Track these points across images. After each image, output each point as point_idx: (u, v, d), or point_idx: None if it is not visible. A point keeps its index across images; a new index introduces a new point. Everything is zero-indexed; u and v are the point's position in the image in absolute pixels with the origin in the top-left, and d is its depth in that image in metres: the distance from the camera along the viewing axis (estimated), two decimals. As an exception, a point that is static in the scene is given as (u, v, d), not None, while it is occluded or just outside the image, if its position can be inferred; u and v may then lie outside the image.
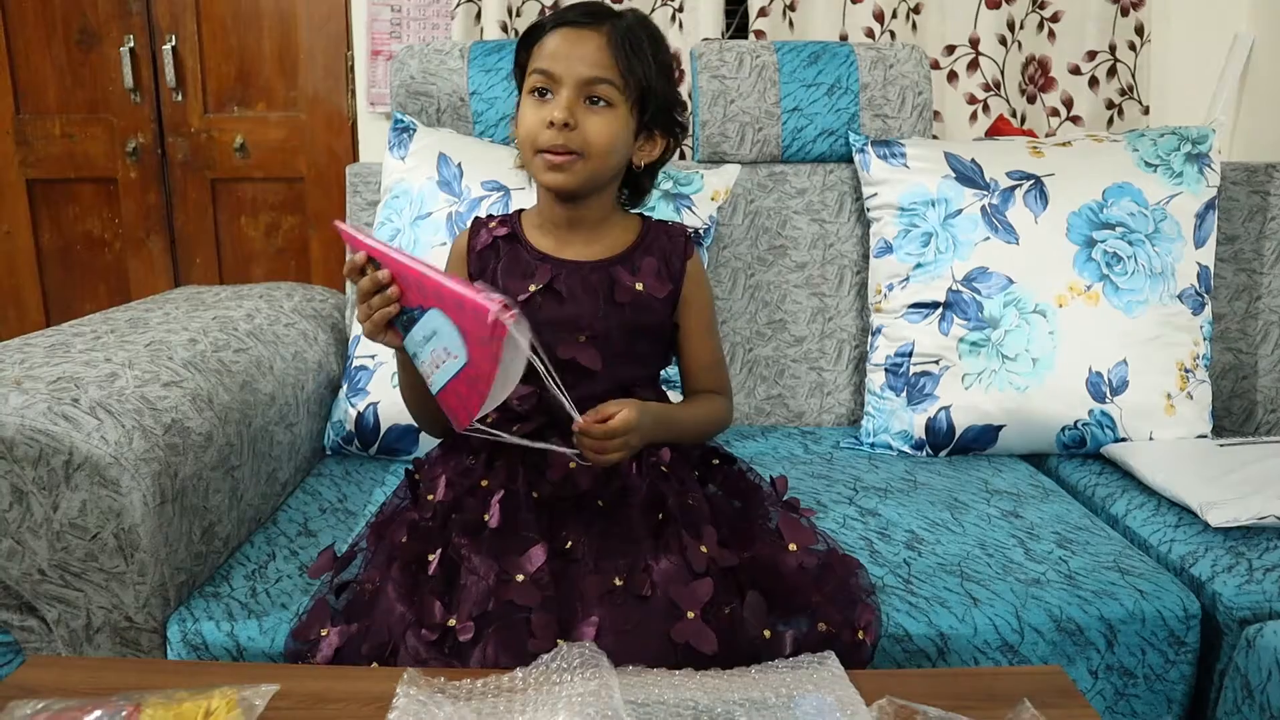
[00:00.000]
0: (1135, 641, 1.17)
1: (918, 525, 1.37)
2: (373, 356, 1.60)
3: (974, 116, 2.22)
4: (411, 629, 1.01)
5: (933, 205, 1.69)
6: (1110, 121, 2.21)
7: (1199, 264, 1.69)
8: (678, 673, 0.90)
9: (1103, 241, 1.65)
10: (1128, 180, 1.69)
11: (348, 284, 1.82)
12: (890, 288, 1.71)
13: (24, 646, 1.17)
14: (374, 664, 1.01)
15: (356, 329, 1.65)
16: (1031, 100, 2.23)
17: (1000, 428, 1.63)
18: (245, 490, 1.32)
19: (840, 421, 1.83)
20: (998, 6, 2.17)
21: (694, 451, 1.25)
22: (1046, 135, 2.20)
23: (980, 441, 1.65)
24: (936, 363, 1.65)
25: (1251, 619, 1.17)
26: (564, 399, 1.01)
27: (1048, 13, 2.19)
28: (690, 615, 1.01)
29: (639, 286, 1.18)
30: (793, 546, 1.14)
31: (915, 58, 1.87)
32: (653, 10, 2.16)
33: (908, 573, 1.24)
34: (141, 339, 1.35)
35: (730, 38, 2.26)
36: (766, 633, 1.05)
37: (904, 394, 1.67)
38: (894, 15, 2.17)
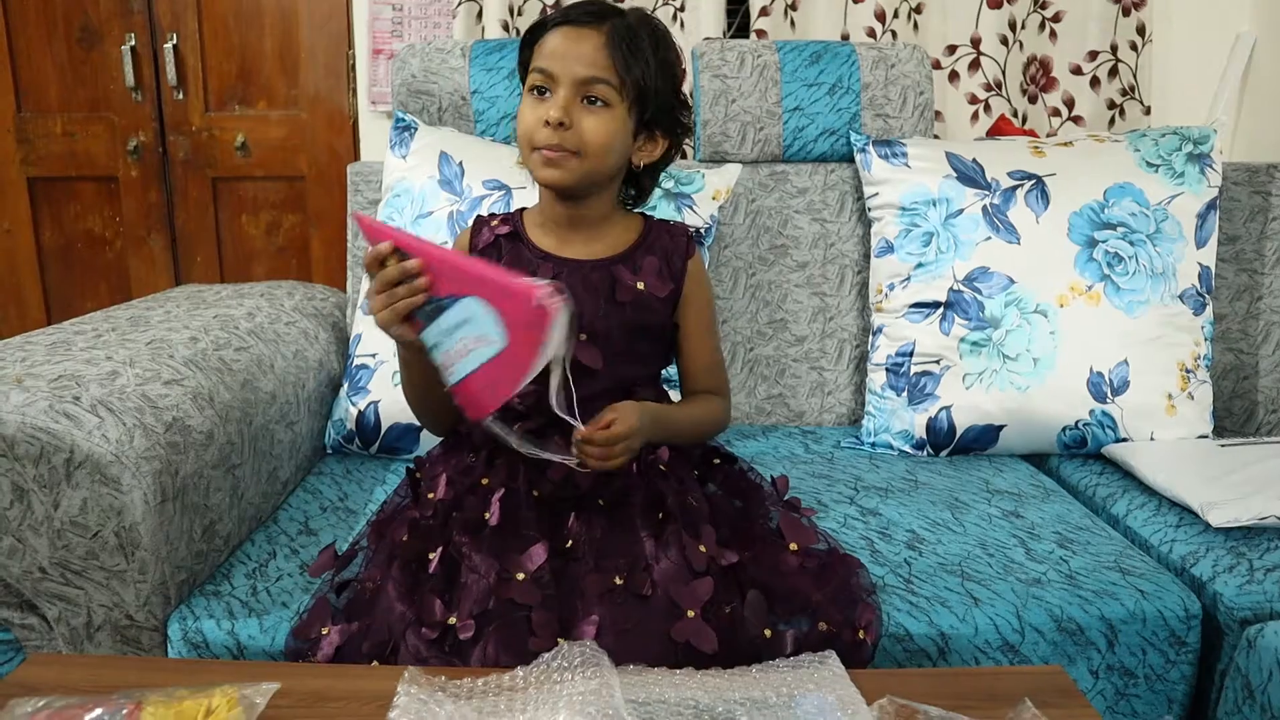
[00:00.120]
0: (1136, 641, 1.17)
1: (918, 525, 1.37)
2: (373, 355, 1.60)
3: (975, 116, 2.22)
4: (412, 628, 1.01)
5: (934, 205, 1.69)
6: (1112, 122, 2.21)
7: (1200, 264, 1.69)
8: (678, 672, 0.90)
9: (1104, 241, 1.65)
10: (1129, 180, 1.69)
11: (348, 282, 1.82)
12: (891, 287, 1.71)
13: (25, 644, 1.17)
14: (374, 662, 1.01)
15: (358, 328, 1.65)
16: (1033, 100, 2.23)
17: (1001, 428, 1.63)
18: (246, 489, 1.32)
19: (841, 421, 1.83)
20: (999, 6, 2.17)
21: (694, 451, 1.25)
22: (1048, 135, 2.20)
23: (981, 441, 1.65)
24: (937, 362, 1.65)
25: (1252, 619, 1.17)
26: (571, 402, 1.01)
27: (1049, 12, 2.19)
28: (690, 614, 1.01)
29: (640, 286, 1.17)
30: (793, 546, 1.14)
31: (917, 57, 1.87)
32: (654, 10, 2.16)
33: (908, 572, 1.24)
34: (142, 337, 1.35)
35: (731, 37, 2.26)
36: (767, 632, 1.05)
37: (905, 394, 1.67)
38: (895, 15, 2.17)
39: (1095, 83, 2.19)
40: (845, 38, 2.17)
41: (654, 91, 1.13)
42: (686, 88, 2.03)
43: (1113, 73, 2.19)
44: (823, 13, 2.17)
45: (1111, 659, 1.17)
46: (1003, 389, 1.62)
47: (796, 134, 1.84)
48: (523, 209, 1.25)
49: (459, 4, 2.15)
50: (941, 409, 1.64)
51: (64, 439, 1.06)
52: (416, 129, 1.72)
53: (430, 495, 1.13)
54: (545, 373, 0.98)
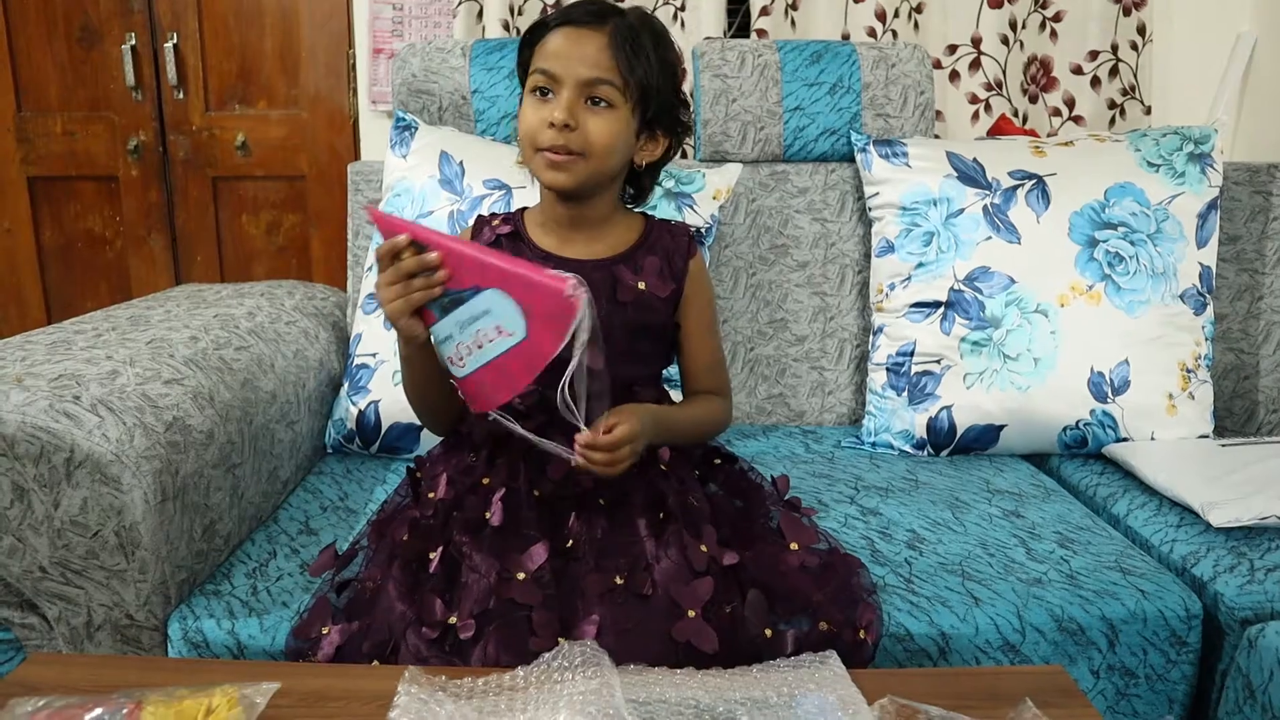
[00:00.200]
0: (1137, 641, 1.17)
1: (919, 525, 1.37)
2: (374, 355, 1.60)
3: (976, 116, 2.22)
4: (412, 627, 1.01)
5: (934, 205, 1.69)
6: (1112, 121, 2.21)
7: (1201, 264, 1.69)
8: (679, 671, 0.90)
9: (1105, 241, 1.65)
10: (1130, 180, 1.68)
11: (349, 282, 1.82)
12: (892, 287, 1.71)
13: (25, 644, 1.17)
14: (375, 662, 1.01)
15: (359, 327, 1.65)
16: (1033, 100, 2.23)
17: (1002, 427, 1.63)
18: (246, 488, 1.32)
19: (841, 421, 1.83)
20: (1000, 6, 2.17)
21: (695, 451, 1.25)
22: (1048, 135, 2.20)
23: (981, 441, 1.65)
24: (938, 362, 1.65)
25: (1253, 619, 1.17)
26: (579, 403, 1.01)
27: (1050, 12, 2.19)
28: (691, 614, 1.01)
29: (641, 286, 1.17)
30: (794, 546, 1.14)
31: (917, 57, 1.87)
32: (655, 10, 2.16)
33: (909, 572, 1.24)
34: (143, 336, 1.35)
35: (732, 37, 2.26)
36: (768, 632, 1.05)
37: (905, 393, 1.67)
38: (896, 14, 2.17)
39: (1096, 82, 2.19)
40: (846, 37, 2.17)
41: (656, 91, 1.12)
42: (687, 87, 2.03)
43: (1113, 72, 2.19)
44: (823, 12, 2.17)
45: (1112, 659, 1.17)
46: (1003, 389, 1.62)
47: (797, 133, 1.84)
48: (523, 208, 1.25)
49: (459, 3, 2.15)
50: (942, 409, 1.64)
51: (64, 438, 1.06)
52: (417, 128, 1.72)
53: (431, 495, 1.13)
54: (550, 371, 0.98)
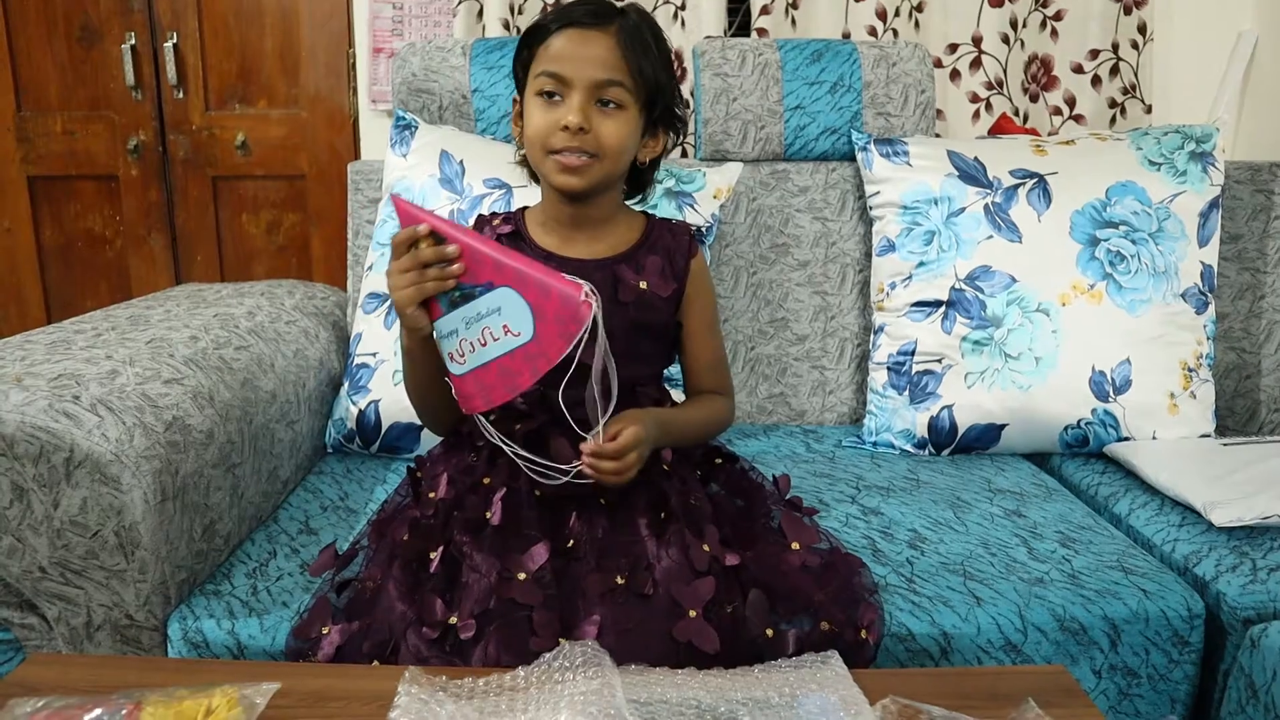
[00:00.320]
0: (1139, 641, 1.16)
1: (920, 524, 1.36)
2: (374, 354, 1.59)
3: (976, 115, 2.22)
4: (413, 627, 1.01)
5: (935, 203, 1.68)
6: (1113, 120, 2.21)
7: (1202, 263, 1.68)
8: (680, 672, 0.89)
9: (1106, 240, 1.64)
10: (1131, 179, 1.68)
11: (349, 282, 1.82)
12: (893, 286, 1.70)
13: (24, 644, 1.17)
14: (375, 662, 1.00)
15: (359, 326, 1.65)
16: (1034, 99, 2.22)
17: (1003, 427, 1.63)
18: (246, 488, 1.32)
19: (842, 420, 1.83)
20: (1000, 5, 2.16)
21: (696, 451, 1.25)
22: (1049, 134, 2.19)
23: (983, 440, 1.64)
24: (939, 361, 1.65)
25: (1256, 619, 1.17)
26: (594, 411, 1.01)
27: (1050, 11, 2.18)
28: (692, 614, 1.01)
29: (643, 285, 1.17)
30: (795, 545, 1.14)
31: (918, 56, 1.87)
32: (655, 9, 2.16)
33: (911, 572, 1.23)
34: (142, 336, 1.35)
35: (732, 36, 2.25)
36: (769, 632, 1.05)
37: (906, 393, 1.67)
38: (897, 13, 2.17)
39: (1096, 81, 2.19)
40: (846, 36, 2.17)
41: (660, 89, 1.12)
42: (687, 86, 2.04)
43: (1114, 71, 2.19)
44: (824, 11, 2.17)
45: (1114, 659, 1.17)
46: (1004, 388, 1.61)
47: (798, 132, 1.84)
48: (524, 208, 1.25)
49: (459, 2, 2.15)
50: (943, 408, 1.64)
51: (64, 438, 1.05)
52: (417, 127, 1.72)
53: (431, 494, 1.13)
54: (552, 372, 0.99)
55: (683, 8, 2.17)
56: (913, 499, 1.45)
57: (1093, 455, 1.66)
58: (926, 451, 1.66)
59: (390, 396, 1.55)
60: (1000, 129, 2.10)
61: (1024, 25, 2.19)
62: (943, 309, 1.65)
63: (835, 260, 1.83)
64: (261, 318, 1.55)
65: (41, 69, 2.47)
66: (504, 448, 1.06)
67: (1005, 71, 2.20)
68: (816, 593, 1.09)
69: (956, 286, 1.65)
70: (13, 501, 1.07)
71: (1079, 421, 1.61)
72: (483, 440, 1.15)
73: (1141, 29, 2.17)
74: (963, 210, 1.67)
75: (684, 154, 2.16)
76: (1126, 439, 1.62)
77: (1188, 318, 1.66)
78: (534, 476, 1.07)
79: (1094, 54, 2.18)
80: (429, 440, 1.33)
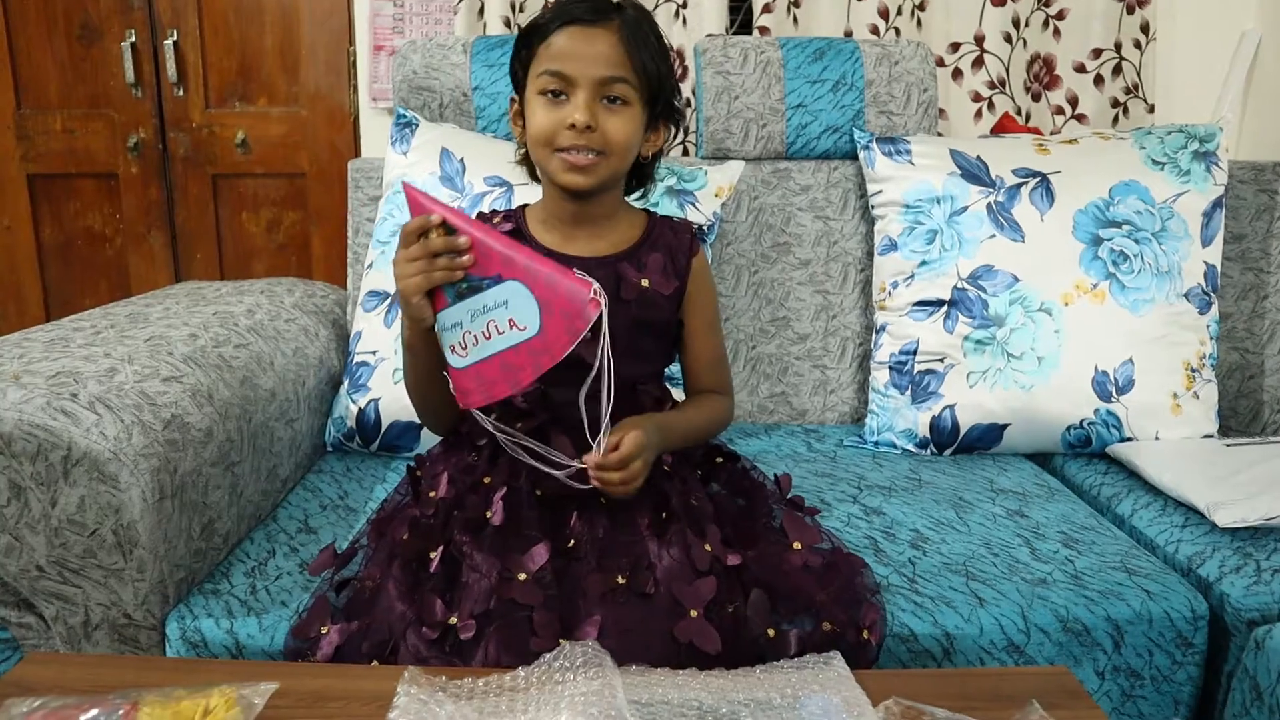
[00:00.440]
0: (1142, 643, 1.16)
1: (922, 524, 1.36)
2: (374, 352, 1.59)
3: (979, 114, 2.21)
4: (412, 627, 1.00)
5: (938, 202, 1.68)
6: (1115, 120, 2.20)
7: (1206, 263, 1.68)
8: (681, 672, 0.89)
9: (1109, 240, 1.64)
10: (1134, 178, 1.67)
11: (349, 280, 1.81)
12: (895, 285, 1.70)
13: (22, 643, 1.16)
14: (374, 662, 1.00)
15: (359, 325, 1.64)
16: (1036, 98, 2.22)
17: (1005, 426, 1.62)
18: (245, 486, 1.31)
19: (844, 420, 1.82)
20: (1003, 4, 2.16)
21: (697, 450, 1.24)
22: (1051, 133, 2.19)
23: (985, 440, 1.64)
24: (941, 361, 1.64)
25: (1260, 620, 1.16)
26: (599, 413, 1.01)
27: (1053, 10, 2.18)
28: (694, 614, 1.00)
29: (645, 283, 1.17)
30: (797, 545, 1.13)
31: (921, 54, 1.86)
32: (655, 7, 2.15)
33: (913, 572, 1.23)
34: (141, 334, 1.34)
35: (734, 34, 2.25)
36: (771, 632, 1.04)
37: (908, 392, 1.66)
38: (899, 12, 2.16)
39: (1099, 81, 2.19)
40: (848, 35, 2.16)
41: (662, 83, 1.12)
42: (689, 85, 2.03)
43: (1116, 71, 2.18)
44: (826, 9, 2.16)
45: (1117, 660, 1.16)
46: (1007, 388, 1.61)
47: (800, 131, 1.83)
48: (525, 205, 1.24)
49: (460, 0, 2.14)
50: (945, 408, 1.63)
51: (61, 436, 1.05)
52: (418, 125, 1.71)
53: (431, 494, 1.12)
54: (555, 369, 0.99)
55: (684, 6, 2.16)
56: (915, 499, 1.45)
57: (1095, 455, 1.65)
58: (928, 451, 1.65)
59: (390, 395, 1.54)
60: (1003, 128, 2.10)
61: (1026, 24, 2.18)
62: (945, 308, 1.65)
63: (837, 259, 1.83)
64: (261, 316, 1.55)
65: (41, 67, 2.47)
66: (503, 441, 1.06)
67: (1007, 71, 2.20)
68: (818, 593, 1.09)
69: (959, 286, 1.64)
70: (10, 500, 1.06)
71: (1081, 421, 1.61)
72: (483, 439, 1.15)
73: (1144, 28, 2.17)
74: (965, 209, 1.67)
75: (685, 152, 2.16)
76: (1129, 439, 1.61)
77: (1191, 318, 1.65)
78: (536, 465, 1.06)
79: (1096, 53, 2.18)
80: (429, 439, 1.33)
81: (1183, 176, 1.68)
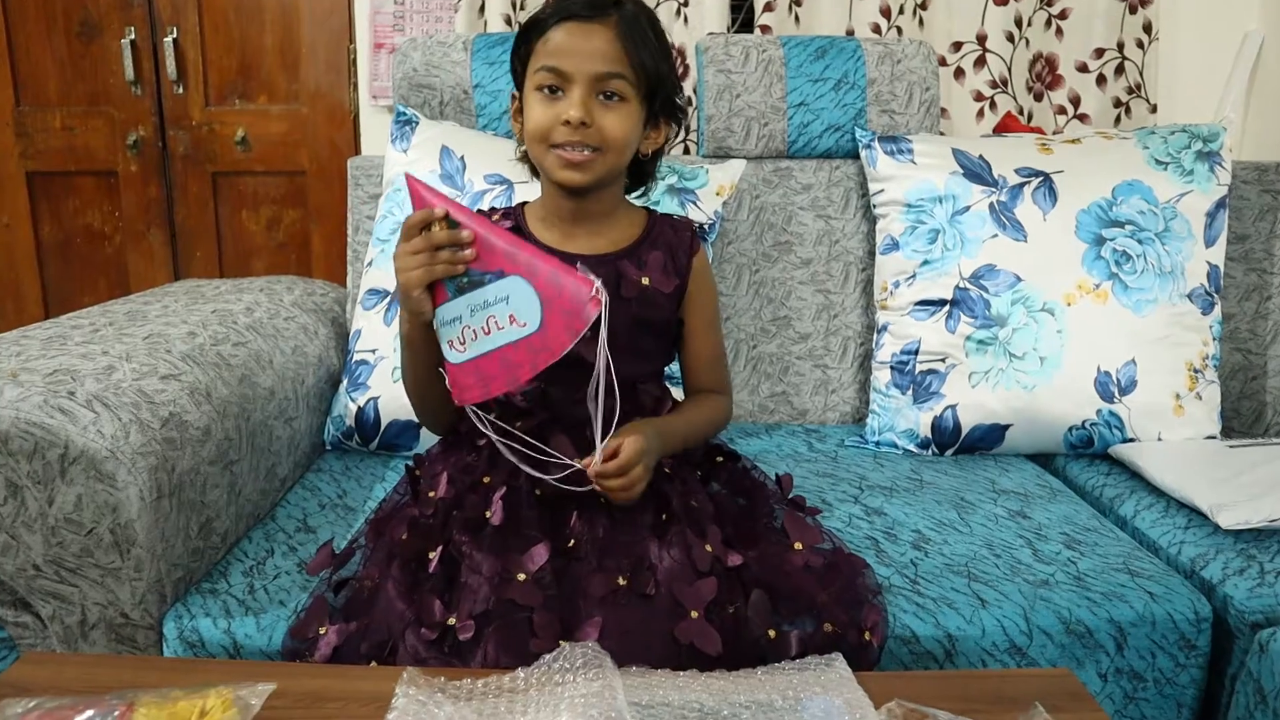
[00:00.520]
0: (1145, 645, 1.15)
1: (924, 525, 1.35)
2: (373, 351, 1.58)
3: (980, 114, 2.21)
4: (411, 628, 0.99)
5: (940, 202, 1.67)
6: (1117, 120, 2.19)
7: (1209, 263, 1.67)
8: (682, 674, 0.88)
9: (1112, 240, 1.63)
10: (1138, 178, 1.67)
11: (348, 278, 1.80)
12: (896, 285, 1.69)
13: (18, 643, 1.16)
14: (373, 663, 0.99)
15: (358, 323, 1.63)
16: (1038, 98, 2.21)
17: (1007, 427, 1.62)
18: (244, 485, 1.30)
19: (845, 420, 1.82)
20: (1005, 3, 2.15)
21: (697, 450, 1.24)
22: (1053, 133, 2.18)
23: (987, 441, 1.63)
24: (943, 361, 1.64)
25: (1264, 623, 1.15)
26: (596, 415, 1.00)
27: (1055, 10, 2.17)
28: (694, 615, 1.00)
29: (645, 281, 1.16)
30: (798, 545, 1.13)
31: (923, 53, 1.85)
32: (657, 5, 2.15)
33: (914, 573, 1.22)
34: (140, 332, 1.34)
35: (735, 32, 2.24)
36: (771, 633, 1.04)
37: (910, 392, 1.65)
38: (901, 11, 2.15)
39: (1101, 80, 2.18)
40: (850, 33, 2.15)
41: (661, 79, 1.11)
42: (690, 83, 2.02)
43: (1119, 70, 2.18)
44: (827, 8, 2.16)
45: (1120, 662, 1.15)
46: (1009, 388, 1.60)
47: (801, 130, 1.83)
48: (524, 203, 1.24)
49: (461, -2, 2.14)
50: (947, 408, 1.62)
51: (58, 434, 1.04)
52: (418, 123, 1.70)
53: (431, 494, 1.12)
54: (554, 367, 0.99)
55: (685, 4, 2.16)
56: (916, 499, 1.44)
57: (1097, 456, 1.64)
58: (930, 451, 1.65)
59: (390, 393, 1.54)
60: (1005, 127, 2.09)
61: (1029, 24, 2.18)
62: (947, 308, 1.64)
63: (838, 258, 1.82)
64: (260, 314, 1.54)
65: (41, 64, 2.46)
66: (496, 442, 1.05)
67: (1009, 70, 2.19)
68: (820, 593, 1.08)
69: (961, 285, 1.64)
70: (6, 498, 1.05)
71: (1084, 422, 1.60)
72: (483, 438, 1.14)
73: (1147, 28, 2.16)
74: (967, 209, 1.66)
75: (686, 151, 2.15)
76: (1131, 440, 1.61)
77: (1194, 318, 1.64)
78: (529, 470, 1.05)
79: (1099, 53, 2.17)
80: (428, 438, 1.32)
81: (1186, 176, 1.67)
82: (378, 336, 1.59)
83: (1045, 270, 1.62)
